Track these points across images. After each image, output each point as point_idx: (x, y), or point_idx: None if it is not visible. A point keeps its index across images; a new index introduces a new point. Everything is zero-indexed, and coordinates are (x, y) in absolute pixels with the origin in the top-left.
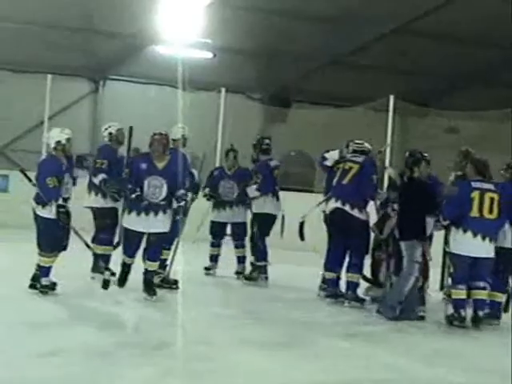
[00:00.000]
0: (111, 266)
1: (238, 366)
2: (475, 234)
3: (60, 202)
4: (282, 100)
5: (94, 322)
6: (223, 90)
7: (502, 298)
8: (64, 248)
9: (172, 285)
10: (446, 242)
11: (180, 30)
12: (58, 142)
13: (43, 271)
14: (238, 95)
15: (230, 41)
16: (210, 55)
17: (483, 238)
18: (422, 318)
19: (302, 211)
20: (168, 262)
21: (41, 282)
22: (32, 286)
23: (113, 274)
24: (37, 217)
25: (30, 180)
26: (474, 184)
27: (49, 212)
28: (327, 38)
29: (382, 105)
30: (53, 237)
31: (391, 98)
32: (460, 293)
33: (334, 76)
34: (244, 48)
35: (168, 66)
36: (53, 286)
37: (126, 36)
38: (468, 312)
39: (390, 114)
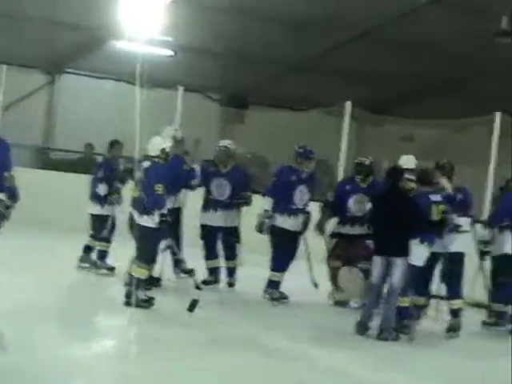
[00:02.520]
0: None
1: (205, 367)
2: (423, 242)
3: (164, 211)
4: (240, 101)
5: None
6: (181, 88)
7: None
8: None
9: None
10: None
11: (141, 26)
12: (163, 150)
13: (140, 284)
14: (197, 95)
15: (191, 40)
16: (170, 53)
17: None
18: (398, 337)
19: (258, 212)
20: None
21: (139, 296)
22: (127, 304)
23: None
24: (135, 226)
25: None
26: (432, 197)
27: (151, 221)
28: (289, 43)
29: (340, 110)
30: (154, 247)
31: (348, 104)
32: (407, 300)
33: (293, 80)
34: (204, 48)
35: (127, 61)
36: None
37: (85, 29)
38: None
39: (346, 120)
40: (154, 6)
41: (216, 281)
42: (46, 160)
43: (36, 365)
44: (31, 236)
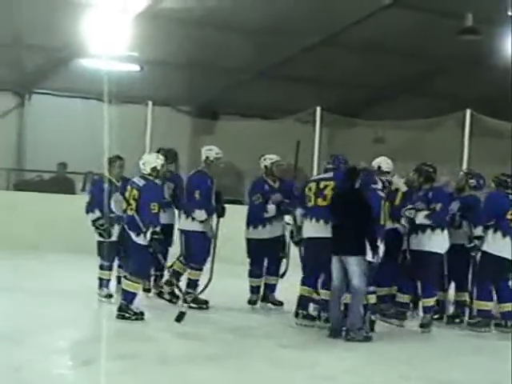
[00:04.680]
0: None
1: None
2: None
3: (157, 228)
4: (210, 112)
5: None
6: (150, 102)
7: None
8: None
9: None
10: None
11: (106, 43)
12: (154, 168)
13: (131, 297)
14: (166, 108)
15: (157, 53)
16: (136, 68)
17: None
18: (370, 338)
19: (232, 222)
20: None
21: (132, 310)
22: (121, 317)
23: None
24: (128, 242)
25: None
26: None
27: (143, 238)
28: (254, 51)
29: (310, 116)
30: (146, 264)
31: (318, 109)
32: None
33: (261, 88)
34: (171, 61)
35: (94, 79)
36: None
37: (51, 49)
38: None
39: (317, 125)
40: (118, 22)
41: None
42: (19, 181)
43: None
44: (4, 256)
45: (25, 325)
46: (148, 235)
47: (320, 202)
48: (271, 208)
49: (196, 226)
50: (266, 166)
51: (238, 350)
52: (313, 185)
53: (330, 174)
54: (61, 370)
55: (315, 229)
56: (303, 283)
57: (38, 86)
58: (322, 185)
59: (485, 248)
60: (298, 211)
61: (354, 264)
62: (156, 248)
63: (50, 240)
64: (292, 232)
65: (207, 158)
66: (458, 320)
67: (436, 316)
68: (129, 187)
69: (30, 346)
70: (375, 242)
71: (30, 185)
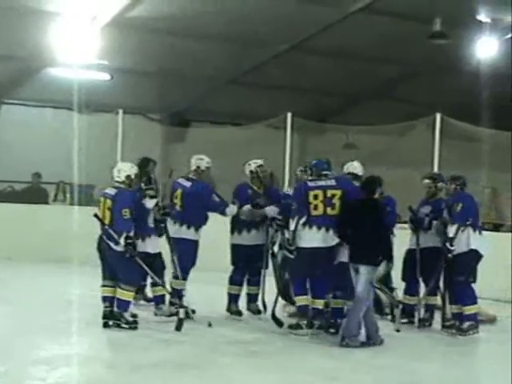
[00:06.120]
0: None
1: None
2: None
3: (130, 234)
4: (181, 120)
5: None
6: (121, 111)
7: None
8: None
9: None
10: None
11: (76, 52)
12: (128, 177)
13: (125, 306)
14: (137, 116)
15: (127, 62)
16: (107, 77)
17: None
18: (382, 341)
19: (204, 230)
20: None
21: (126, 318)
22: (116, 325)
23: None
24: (109, 252)
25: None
26: None
27: (121, 245)
28: (225, 58)
29: (281, 122)
30: (132, 269)
31: (288, 115)
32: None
33: (232, 95)
34: (141, 69)
35: (64, 88)
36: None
37: (20, 59)
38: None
39: (288, 131)
40: (87, 31)
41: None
42: None
43: None
44: None
45: (0, 335)
46: (122, 241)
47: (329, 211)
48: (246, 208)
49: (189, 235)
50: (251, 171)
51: (217, 357)
52: (319, 193)
53: (333, 182)
54: (38, 381)
55: (324, 238)
56: (297, 293)
57: (8, 96)
58: (329, 193)
59: (464, 248)
60: (297, 219)
61: (364, 272)
62: (132, 253)
63: (24, 250)
64: (288, 240)
65: (198, 167)
66: (427, 323)
67: (406, 320)
68: (102, 198)
69: (7, 356)
70: (391, 251)
71: (1, 196)
